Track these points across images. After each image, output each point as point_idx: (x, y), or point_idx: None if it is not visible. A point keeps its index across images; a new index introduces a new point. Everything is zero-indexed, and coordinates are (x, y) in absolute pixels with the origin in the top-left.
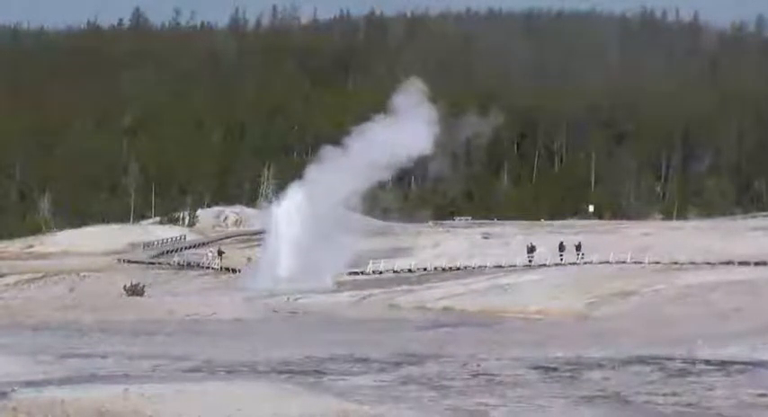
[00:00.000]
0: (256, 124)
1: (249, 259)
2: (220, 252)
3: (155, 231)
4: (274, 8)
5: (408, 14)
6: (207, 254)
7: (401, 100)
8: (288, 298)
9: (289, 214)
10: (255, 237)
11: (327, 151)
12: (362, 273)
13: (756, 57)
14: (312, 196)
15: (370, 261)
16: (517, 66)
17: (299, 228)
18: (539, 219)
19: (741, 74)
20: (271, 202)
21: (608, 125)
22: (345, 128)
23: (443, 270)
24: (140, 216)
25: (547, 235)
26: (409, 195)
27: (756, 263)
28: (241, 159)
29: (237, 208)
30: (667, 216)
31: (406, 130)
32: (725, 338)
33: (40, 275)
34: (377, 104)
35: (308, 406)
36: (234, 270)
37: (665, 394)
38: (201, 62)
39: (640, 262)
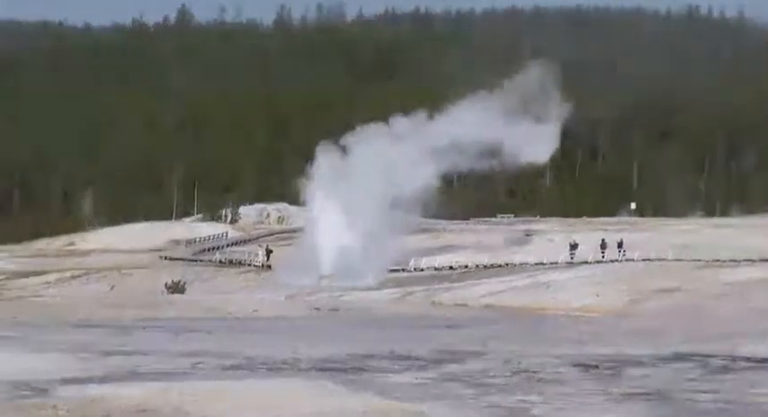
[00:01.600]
0: (301, 121)
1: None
2: (269, 251)
3: (197, 228)
4: (320, 4)
5: (453, 12)
6: (256, 252)
7: (520, 87)
8: (329, 296)
9: (332, 208)
10: (297, 234)
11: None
12: (404, 270)
13: None
14: (361, 184)
15: (412, 259)
16: (562, 63)
17: (342, 224)
18: (581, 217)
19: None
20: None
21: (651, 122)
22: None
23: (485, 267)
24: (183, 213)
25: (589, 233)
26: (451, 192)
27: None
28: (285, 156)
29: (280, 206)
30: (710, 213)
31: (523, 128)
32: (766, 335)
33: (81, 272)
34: (423, 101)
35: (348, 403)
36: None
37: (706, 391)
38: (247, 59)
39: (682, 260)
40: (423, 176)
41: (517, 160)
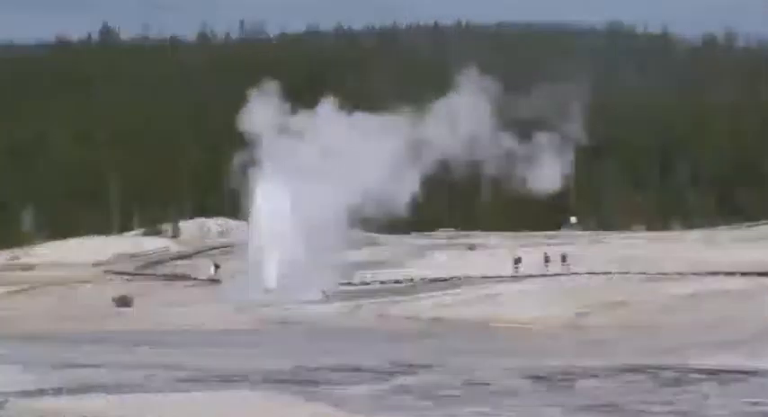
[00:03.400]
0: (233, 136)
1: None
2: (216, 266)
3: (139, 242)
4: (242, 22)
5: (377, 27)
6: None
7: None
8: (276, 309)
9: (277, 222)
10: (238, 248)
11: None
12: (350, 284)
13: (728, 70)
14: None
15: (358, 273)
16: (489, 79)
17: (288, 238)
18: (522, 230)
19: (713, 86)
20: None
21: (584, 136)
22: None
23: (431, 280)
24: (123, 227)
25: (531, 247)
26: None
27: (743, 273)
28: (221, 170)
29: (220, 220)
30: (650, 226)
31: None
32: (715, 347)
33: (27, 286)
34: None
35: (301, 415)
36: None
37: (659, 403)
38: (173, 75)
39: (627, 273)
40: (406, 183)
41: (516, 180)
